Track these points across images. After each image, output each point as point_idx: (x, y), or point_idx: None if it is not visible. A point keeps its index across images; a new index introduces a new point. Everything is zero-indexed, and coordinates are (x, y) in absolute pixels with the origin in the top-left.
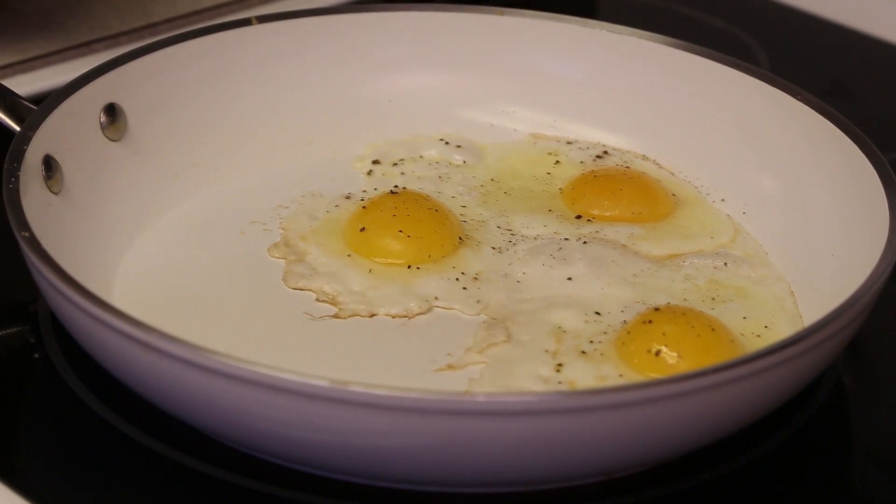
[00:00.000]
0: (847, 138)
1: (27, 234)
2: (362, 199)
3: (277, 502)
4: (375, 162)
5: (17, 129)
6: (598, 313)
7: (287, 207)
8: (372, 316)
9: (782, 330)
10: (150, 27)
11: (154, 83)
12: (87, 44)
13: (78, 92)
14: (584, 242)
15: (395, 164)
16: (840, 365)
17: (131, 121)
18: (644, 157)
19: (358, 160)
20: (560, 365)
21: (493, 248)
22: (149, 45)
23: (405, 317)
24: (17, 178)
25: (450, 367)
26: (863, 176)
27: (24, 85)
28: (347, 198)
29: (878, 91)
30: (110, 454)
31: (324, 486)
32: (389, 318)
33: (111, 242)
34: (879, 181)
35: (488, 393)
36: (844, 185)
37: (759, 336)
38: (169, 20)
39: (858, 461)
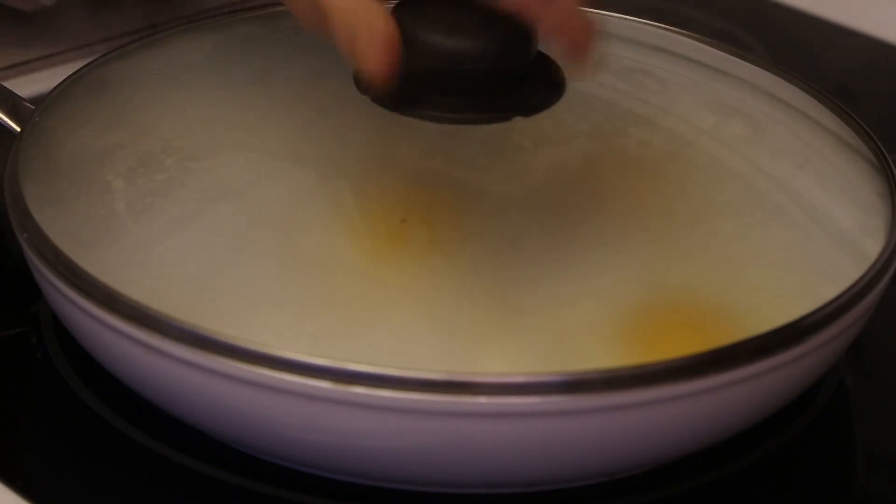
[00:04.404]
0: (849, 139)
1: (28, 235)
2: None
3: (278, 503)
4: None
5: (19, 130)
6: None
7: None
8: None
9: (785, 332)
10: (152, 28)
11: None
12: (89, 45)
13: None
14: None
15: None
16: (842, 366)
17: None
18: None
19: None
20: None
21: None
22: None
23: None
24: (19, 179)
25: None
26: (865, 176)
27: (26, 86)
28: None
29: (881, 93)
30: (111, 455)
31: (326, 487)
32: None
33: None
34: (882, 181)
35: (491, 395)
36: (846, 185)
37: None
38: (171, 22)
39: (861, 462)
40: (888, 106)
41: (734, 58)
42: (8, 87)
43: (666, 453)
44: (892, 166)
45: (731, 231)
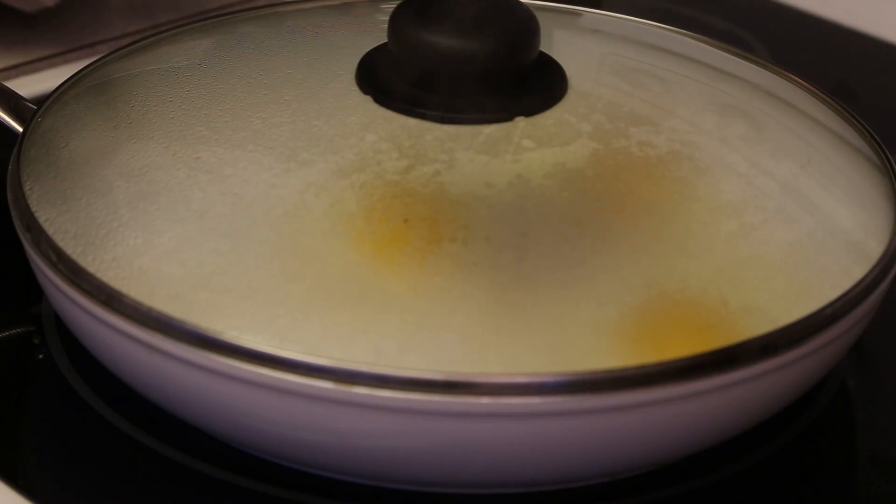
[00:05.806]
0: (851, 139)
1: (30, 235)
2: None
3: (278, 503)
4: None
5: (21, 130)
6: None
7: None
8: None
9: (787, 333)
10: (154, 28)
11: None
12: (92, 45)
13: None
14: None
15: None
16: (844, 367)
17: None
18: None
19: None
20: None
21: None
22: (150, 41)
23: None
24: (21, 178)
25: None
26: (867, 176)
27: (28, 86)
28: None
29: (882, 92)
30: (113, 455)
31: (326, 487)
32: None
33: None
34: (884, 181)
35: (492, 395)
36: (848, 185)
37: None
38: (173, 22)
39: (862, 463)
40: (889, 106)
41: (735, 58)
42: (10, 87)
43: (668, 454)
44: (895, 166)
45: (733, 231)
